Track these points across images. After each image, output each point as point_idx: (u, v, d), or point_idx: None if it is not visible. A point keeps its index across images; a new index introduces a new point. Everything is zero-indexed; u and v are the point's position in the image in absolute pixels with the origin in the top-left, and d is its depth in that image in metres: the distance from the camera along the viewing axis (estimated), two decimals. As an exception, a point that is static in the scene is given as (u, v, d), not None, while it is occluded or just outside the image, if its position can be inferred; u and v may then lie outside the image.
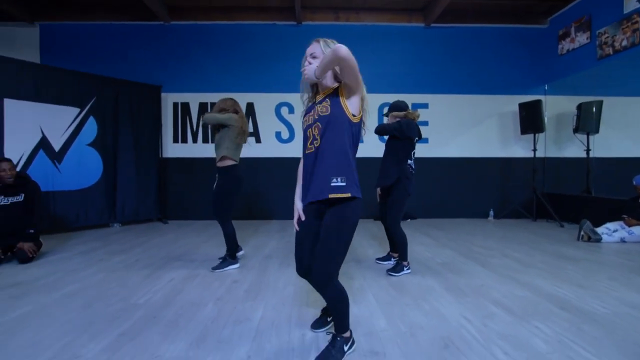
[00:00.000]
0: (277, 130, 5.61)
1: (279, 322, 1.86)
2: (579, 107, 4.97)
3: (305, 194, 1.49)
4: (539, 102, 5.15)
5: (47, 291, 2.32)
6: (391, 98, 3.24)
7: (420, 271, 2.77)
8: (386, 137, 2.95)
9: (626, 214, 3.86)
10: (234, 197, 2.82)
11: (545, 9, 5.48)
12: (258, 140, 5.57)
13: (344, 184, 1.41)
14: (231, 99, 2.97)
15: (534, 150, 5.32)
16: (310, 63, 1.46)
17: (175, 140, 5.59)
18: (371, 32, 5.55)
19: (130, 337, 1.68)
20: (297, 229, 1.53)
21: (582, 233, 3.83)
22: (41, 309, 2.02)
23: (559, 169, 5.65)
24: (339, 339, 1.50)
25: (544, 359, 1.48)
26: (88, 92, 4.67)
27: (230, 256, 2.87)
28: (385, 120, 3.03)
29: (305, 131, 1.50)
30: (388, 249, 3.12)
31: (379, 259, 3.08)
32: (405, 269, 2.71)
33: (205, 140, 5.58)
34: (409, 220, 5.37)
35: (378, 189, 2.98)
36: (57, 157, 4.43)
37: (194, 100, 5.56)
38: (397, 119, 2.83)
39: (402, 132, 2.72)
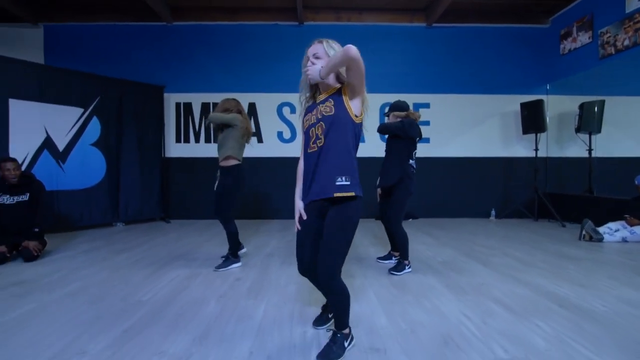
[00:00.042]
0: (278, 130, 5.64)
1: (281, 320, 1.88)
2: (581, 106, 4.97)
3: (307, 193, 1.50)
4: (540, 101, 5.15)
5: (51, 289, 2.35)
6: (393, 98, 3.25)
7: (421, 270, 2.79)
8: (386, 137, 2.97)
9: (628, 213, 3.85)
10: (237, 196, 2.85)
11: (547, 9, 5.48)
12: (260, 140, 5.60)
13: (348, 182, 1.43)
14: (234, 99, 3.00)
15: (536, 150, 5.31)
16: (313, 63, 1.48)
17: (178, 140, 5.62)
18: (373, 32, 5.56)
19: (134, 334, 1.71)
20: (299, 227, 1.55)
21: (583, 233, 3.83)
22: (46, 306, 2.05)
23: (561, 168, 5.64)
24: (339, 335, 1.52)
25: (543, 356, 1.50)
26: (91, 93, 4.71)
27: (233, 255, 2.89)
28: (386, 119, 3.05)
29: (307, 130, 1.51)
30: (389, 248, 3.14)
31: (380, 258, 3.10)
32: (406, 267, 2.73)
33: (207, 140, 5.62)
34: (410, 219, 5.38)
35: (379, 189, 2.99)
36: (61, 156, 4.47)
37: (197, 100, 5.60)
38: (399, 119, 2.85)
39: (404, 132, 2.74)
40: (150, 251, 3.44)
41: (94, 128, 4.76)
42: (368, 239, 3.99)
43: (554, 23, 5.56)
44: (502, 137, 5.72)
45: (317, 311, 1.90)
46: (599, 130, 5.03)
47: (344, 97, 1.47)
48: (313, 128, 1.48)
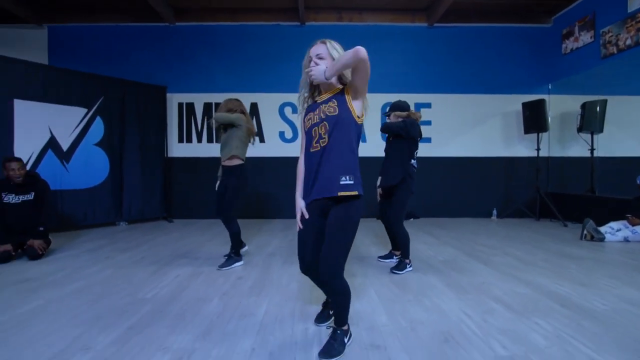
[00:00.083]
0: (280, 130, 5.66)
1: (283, 317, 1.90)
2: (583, 106, 4.96)
3: (309, 192, 1.52)
4: (542, 101, 5.15)
5: (56, 287, 2.38)
6: (394, 98, 3.26)
7: (422, 269, 2.80)
8: (386, 137, 2.98)
9: (630, 213, 3.85)
10: (240, 196, 2.88)
11: (548, 8, 5.48)
12: (262, 140, 5.62)
13: (352, 182, 1.46)
14: (237, 99, 3.03)
15: (538, 149, 5.31)
16: (316, 64, 1.50)
17: (180, 140, 5.66)
18: (374, 32, 5.58)
19: (138, 330, 1.73)
20: (301, 226, 1.56)
21: (585, 232, 3.83)
22: (51, 304, 2.08)
23: (563, 168, 5.63)
24: (339, 332, 1.54)
25: (543, 354, 1.51)
26: (95, 93, 4.75)
27: (235, 253, 2.92)
28: (386, 120, 3.05)
29: (309, 130, 1.52)
30: (390, 248, 3.15)
31: (381, 257, 3.11)
32: (407, 266, 2.74)
33: (209, 140, 5.65)
34: (412, 219, 5.39)
35: (379, 189, 3.00)
36: (65, 156, 4.51)
37: (199, 100, 5.63)
38: (400, 119, 2.86)
39: (407, 132, 2.75)
40: (153, 250, 3.47)
41: (98, 128, 4.80)
42: (369, 238, 4.01)
43: (556, 22, 5.55)
44: (504, 137, 5.72)
45: (318, 309, 1.91)
46: (601, 130, 5.02)
47: (346, 97, 1.49)
48: (316, 127, 1.49)
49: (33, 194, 3.23)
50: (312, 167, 1.51)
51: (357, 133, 1.52)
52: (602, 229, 3.81)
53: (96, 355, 1.50)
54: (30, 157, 4.18)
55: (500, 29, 5.66)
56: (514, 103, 5.58)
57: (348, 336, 1.58)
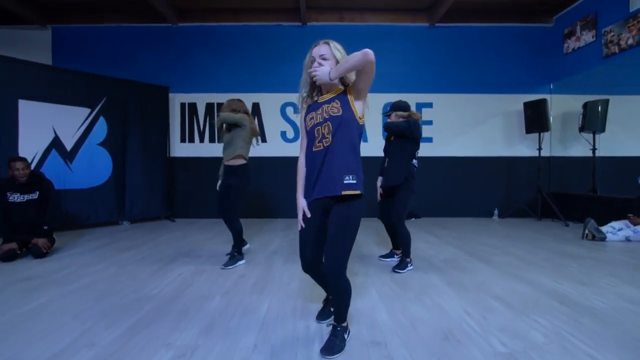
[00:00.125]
0: (282, 129, 5.69)
1: (284, 314, 1.92)
2: (585, 106, 4.96)
3: (311, 191, 1.53)
4: (544, 101, 5.15)
5: (61, 284, 2.41)
6: (395, 98, 3.27)
7: (423, 268, 2.82)
8: (386, 136, 3.00)
9: (632, 212, 3.85)
10: (243, 195, 2.90)
11: (550, 8, 5.47)
12: (264, 140, 5.65)
13: (355, 181, 1.48)
14: (239, 99, 3.05)
15: (539, 149, 5.31)
16: (320, 64, 1.51)
17: (183, 140, 5.69)
18: (375, 32, 5.59)
19: (142, 327, 1.76)
20: (303, 225, 1.57)
21: (586, 232, 3.83)
22: (56, 301, 2.11)
23: (564, 168, 5.63)
24: (339, 328, 1.56)
25: (541, 350, 1.52)
26: (98, 93, 4.79)
27: (238, 252, 2.94)
28: (387, 119, 3.07)
29: (312, 129, 1.54)
30: (391, 247, 3.17)
31: (382, 256, 3.13)
32: (409, 265, 2.76)
33: (212, 140, 5.68)
34: (413, 219, 5.39)
35: (380, 188, 3.02)
36: (68, 156, 4.55)
37: (201, 100, 5.66)
38: (401, 119, 2.87)
39: (411, 132, 2.77)
40: (156, 249, 3.50)
41: (101, 128, 4.84)
42: (371, 237, 4.03)
43: (558, 22, 5.55)
44: (505, 137, 5.72)
45: (319, 307, 1.93)
46: (602, 130, 5.01)
47: (349, 97, 1.51)
48: (319, 127, 1.51)
49: (38, 193, 3.26)
50: (314, 167, 1.52)
51: (359, 133, 1.54)
52: (604, 228, 3.81)
53: (101, 351, 1.52)
54: (35, 156, 4.22)
55: (502, 28, 5.67)
56: (516, 103, 5.59)
57: (347, 332, 1.60)
